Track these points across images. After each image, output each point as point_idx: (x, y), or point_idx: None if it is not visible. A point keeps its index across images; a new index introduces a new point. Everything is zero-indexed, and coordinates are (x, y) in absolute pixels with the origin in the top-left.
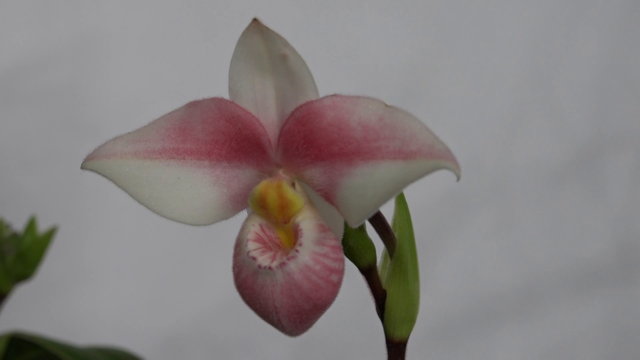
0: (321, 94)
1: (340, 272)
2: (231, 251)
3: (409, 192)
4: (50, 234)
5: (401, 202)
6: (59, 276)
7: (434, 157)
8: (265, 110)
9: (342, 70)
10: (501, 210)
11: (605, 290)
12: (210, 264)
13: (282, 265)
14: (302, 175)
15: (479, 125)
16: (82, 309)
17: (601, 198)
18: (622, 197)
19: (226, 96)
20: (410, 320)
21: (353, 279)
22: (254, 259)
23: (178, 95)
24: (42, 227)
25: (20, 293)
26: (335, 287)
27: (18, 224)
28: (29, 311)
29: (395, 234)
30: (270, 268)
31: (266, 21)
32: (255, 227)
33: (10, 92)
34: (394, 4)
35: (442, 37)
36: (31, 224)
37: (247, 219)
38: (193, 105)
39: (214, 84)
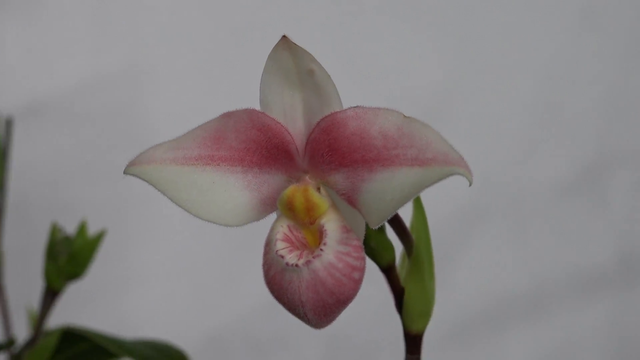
0: (344, 106)
1: (362, 269)
2: None
3: (432, 205)
4: (99, 237)
5: (418, 206)
6: (111, 277)
7: (448, 164)
8: (293, 120)
9: (365, 87)
10: (513, 222)
11: (607, 295)
12: (248, 266)
13: (308, 263)
14: (327, 180)
15: (495, 143)
16: (131, 307)
17: (604, 211)
18: (623, 210)
19: (257, 107)
20: (426, 315)
21: (374, 277)
22: (282, 257)
23: (216, 110)
24: (96, 231)
25: (74, 291)
26: (356, 284)
27: (74, 230)
28: (82, 308)
29: (413, 236)
30: (297, 265)
31: (294, 38)
32: (283, 227)
33: (70, 111)
34: (417, 30)
35: (463, 62)
36: (82, 228)
37: (276, 221)
38: (227, 115)
39: (248, 97)
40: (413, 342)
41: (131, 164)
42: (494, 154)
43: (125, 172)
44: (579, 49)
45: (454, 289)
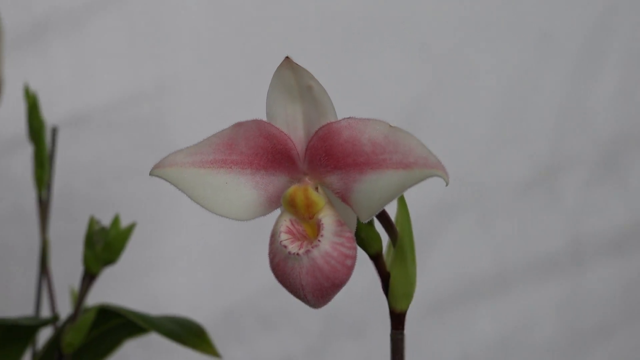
0: (339, 117)
1: (354, 257)
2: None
3: (413, 201)
4: (130, 229)
5: (402, 203)
6: (141, 262)
7: (428, 167)
8: (295, 129)
9: (356, 100)
10: (480, 215)
11: (560, 276)
12: (256, 254)
13: (307, 252)
14: (324, 181)
15: (464, 148)
16: (157, 288)
17: (557, 205)
18: (574, 205)
19: (264, 118)
20: (409, 296)
21: (364, 264)
22: (285, 247)
23: (228, 120)
24: (128, 224)
25: (109, 275)
26: (349, 270)
27: (109, 222)
28: (116, 289)
29: (397, 228)
30: (298, 254)
31: (295, 59)
32: (286, 221)
33: (108, 121)
34: (399, 53)
35: (438, 80)
36: (115, 221)
37: (280, 216)
38: (238, 125)
39: (256, 110)
40: (398, 319)
41: (155, 166)
42: (463, 157)
43: (150, 174)
44: (536, 65)
45: (431, 272)
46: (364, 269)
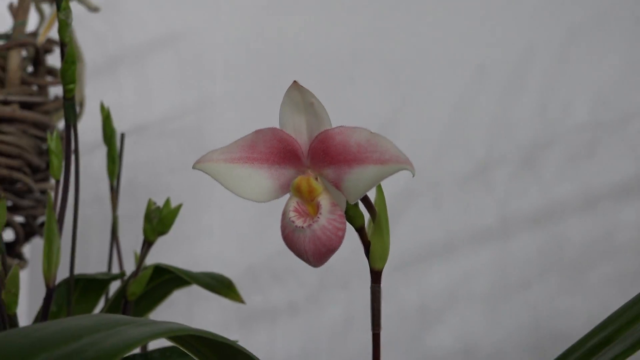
0: (333, 125)
1: (344, 230)
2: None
3: (386, 188)
4: (178, 208)
5: (379, 189)
6: (186, 233)
7: (400, 163)
8: (300, 134)
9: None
10: (433, 198)
11: (492, 244)
12: (271, 227)
13: (309, 226)
14: (322, 173)
15: (421, 150)
16: (197, 251)
17: (491, 191)
18: (503, 191)
19: (277, 126)
20: (384, 259)
21: (351, 235)
22: (293, 222)
23: (252, 128)
24: (176, 204)
25: (162, 242)
26: (340, 239)
27: (162, 203)
28: (167, 253)
29: (376, 209)
30: (302, 227)
31: (301, 83)
32: (294, 203)
33: (161, 130)
34: (373, 82)
35: (402, 99)
36: (167, 202)
37: (289, 199)
38: (258, 131)
39: (272, 120)
40: (376, 276)
41: (197, 162)
42: (421, 156)
43: (193, 168)
44: (473, 89)
45: (398, 241)
46: (351, 239)
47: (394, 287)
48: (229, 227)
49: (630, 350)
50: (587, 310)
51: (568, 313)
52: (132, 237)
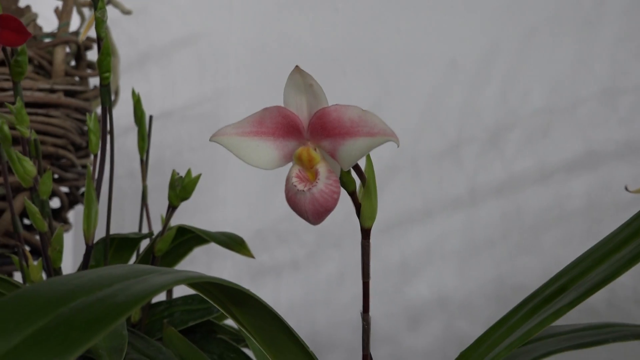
0: (329, 103)
1: (338, 193)
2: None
3: (375, 160)
4: (197, 177)
5: (369, 159)
6: (204, 199)
7: (387, 135)
8: (302, 112)
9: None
10: (413, 172)
11: (461, 211)
12: (277, 192)
13: (309, 189)
14: (320, 144)
15: (402, 131)
16: (215, 214)
17: (459, 166)
18: (470, 166)
19: (282, 104)
20: (373, 218)
21: (344, 202)
22: (295, 186)
23: (261, 106)
24: (196, 174)
25: (184, 206)
26: (336, 200)
27: (184, 173)
28: (189, 216)
29: (366, 175)
30: (303, 191)
31: (303, 67)
32: (296, 170)
33: (183, 115)
34: (360, 76)
35: (386, 91)
36: (188, 172)
37: (291, 167)
38: (265, 109)
39: (277, 99)
40: (365, 233)
41: (213, 135)
42: (402, 136)
43: (210, 140)
44: (445, 81)
45: (384, 206)
46: (344, 205)
47: (379, 247)
48: (241, 197)
49: (583, 297)
50: (542, 266)
51: (526, 269)
52: (159, 204)
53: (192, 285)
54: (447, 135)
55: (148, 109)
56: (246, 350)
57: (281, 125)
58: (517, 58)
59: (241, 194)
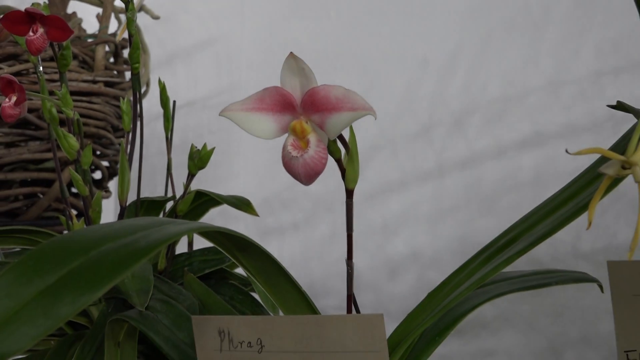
0: (319, 84)
1: (326, 159)
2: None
3: (359, 144)
4: (212, 150)
5: (351, 130)
6: (218, 169)
7: (366, 110)
8: (295, 91)
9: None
10: (392, 149)
11: (429, 184)
12: (281, 170)
13: (301, 155)
14: (310, 118)
15: (382, 116)
16: (227, 180)
17: (430, 147)
18: (439, 146)
19: (279, 85)
20: (355, 181)
21: (334, 174)
22: (290, 153)
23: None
24: (211, 147)
25: (202, 174)
26: (323, 165)
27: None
28: (205, 182)
29: (349, 145)
30: (297, 157)
31: (296, 54)
32: (291, 140)
33: (203, 104)
34: (346, 75)
35: (370, 85)
36: (204, 146)
37: (287, 137)
38: (265, 89)
39: (275, 81)
40: (349, 193)
41: (222, 111)
42: (382, 120)
43: (219, 114)
44: (418, 75)
45: (366, 180)
46: (333, 177)
47: (364, 212)
48: (251, 171)
49: (530, 246)
50: (498, 227)
51: (485, 229)
52: (183, 176)
53: (202, 233)
54: (420, 120)
55: (174, 99)
56: (253, 294)
57: (278, 102)
58: (477, 55)
59: (251, 169)
